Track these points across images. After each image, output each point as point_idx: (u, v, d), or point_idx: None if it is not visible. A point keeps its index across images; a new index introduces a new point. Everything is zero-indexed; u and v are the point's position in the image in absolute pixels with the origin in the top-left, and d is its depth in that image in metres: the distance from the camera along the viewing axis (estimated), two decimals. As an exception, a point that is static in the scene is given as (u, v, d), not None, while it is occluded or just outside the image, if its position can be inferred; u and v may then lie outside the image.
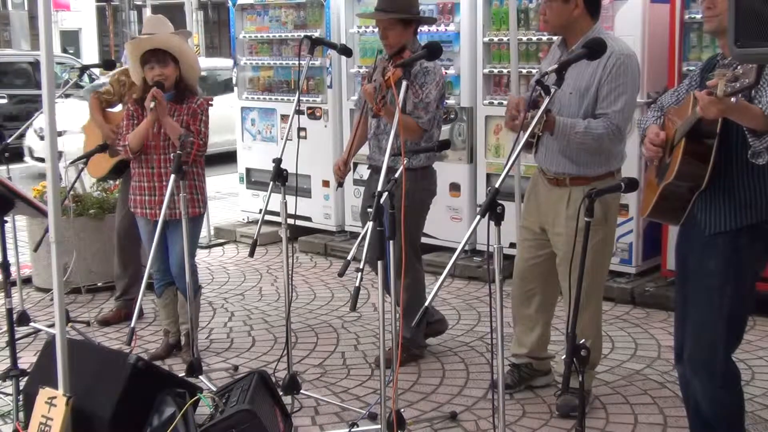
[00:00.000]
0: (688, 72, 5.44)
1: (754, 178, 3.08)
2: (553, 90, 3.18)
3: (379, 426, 3.72)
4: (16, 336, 4.43)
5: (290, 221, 4.28)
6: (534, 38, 6.03)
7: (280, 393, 4.08)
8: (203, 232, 7.57)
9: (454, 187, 6.43)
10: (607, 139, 3.85)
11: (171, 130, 4.62)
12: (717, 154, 3.05)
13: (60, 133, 4.10)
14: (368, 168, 4.93)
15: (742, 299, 3.18)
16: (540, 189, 4.16)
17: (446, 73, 6.35)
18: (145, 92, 4.69)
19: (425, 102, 4.54)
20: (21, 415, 3.96)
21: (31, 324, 5.38)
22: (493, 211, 2.94)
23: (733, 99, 2.71)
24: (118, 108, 5.66)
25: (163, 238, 4.61)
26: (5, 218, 4.28)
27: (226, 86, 11.16)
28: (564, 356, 2.86)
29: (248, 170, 7.90)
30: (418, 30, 4.75)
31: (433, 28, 6.30)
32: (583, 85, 3.89)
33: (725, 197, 3.12)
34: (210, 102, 4.72)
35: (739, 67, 2.74)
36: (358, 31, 6.89)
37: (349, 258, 3.49)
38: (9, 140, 5.54)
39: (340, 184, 4.80)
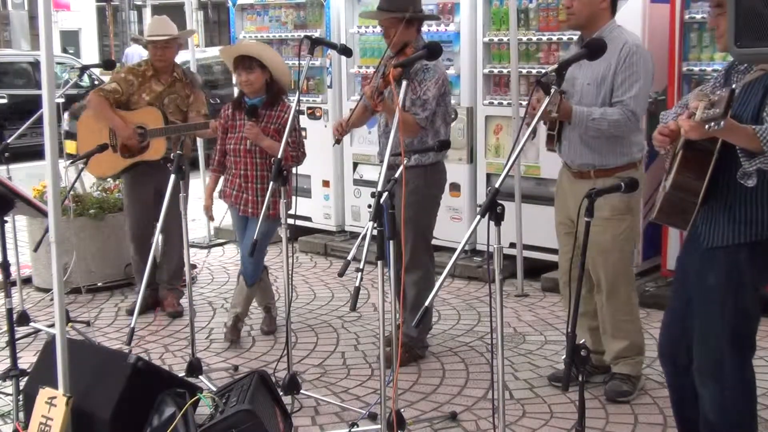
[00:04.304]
0: (689, 72, 5.46)
1: (755, 196, 3.05)
2: (553, 90, 3.19)
3: (379, 426, 3.72)
4: (16, 336, 4.42)
5: (290, 221, 4.29)
6: (534, 38, 6.03)
7: (280, 393, 4.08)
8: (203, 232, 7.62)
9: (454, 187, 6.42)
10: (623, 125, 4.02)
11: (273, 152, 4.83)
12: (714, 170, 3.02)
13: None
14: (380, 164, 4.93)
15: (744, 311, 3.16)
16: (565, 183, 4.29)
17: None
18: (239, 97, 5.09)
19: (423, 99, 4.58)
20: (21, 415, 3.96)
21: (31, 324, 5.37)
22: (493, 211, 2.95)
23: (706, 126, 2.69)
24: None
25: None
26: (5, 218, 4.27)
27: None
28: (566, 356, 2.86)
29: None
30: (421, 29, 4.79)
31: (433, 27, 6.31)
32: (599, 75, 4.06)
33: (725, 212, 3.10)
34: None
35: (718, 92, 2.74)
36: (358, 31, 6.88)
37: (349, 258, 3.48)
38: (9, 140, 5.53)
39: (338, 141, 4.79)
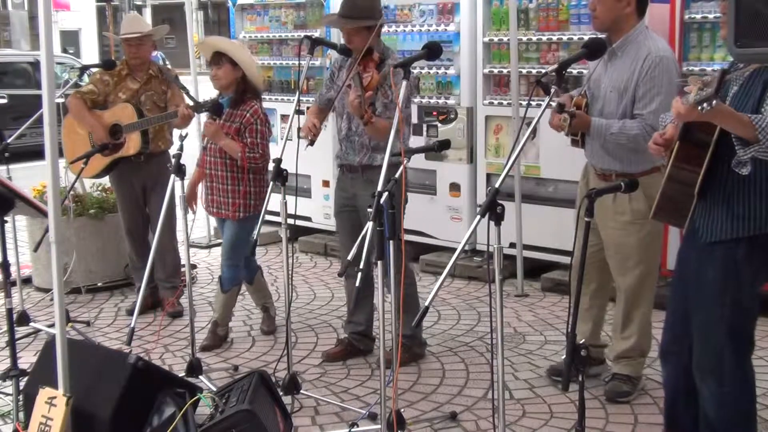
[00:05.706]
0: (689, 72, 5.45)
1: (753, 190, 3.04)
2: (552, 90, 3.19)
3: (379, 426, 3.72)
4: (16, 336, 4.42)
5: (290, 221, 4.28)
6: (534, 38, 6.04)
7: (280, 393, 4.08)
8: (203, 232, 7.62)
9: (454, 187, 6.43)
10: (641, 139, 3.94)
11: (230, 151, 4.87)
12: (710, 163, 3.02)
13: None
14: (339, 167, 4.89)
15: (742, 307, 3.15)
16: (591, 182, 4.25)
17: (446, 73, 6.38)
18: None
19: (395, 103, 4.52)
20: (21, 415, 3.96)
21: (31, 324, 5.38)
22: (493, 211, 2.96)
23: (699, 108, 2.69)
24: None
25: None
26: (5, 218, 4.28)
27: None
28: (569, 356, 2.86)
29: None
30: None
31: (433, 27, 6.32)
32: (622, 85, 4.01)
33: (723, 207, 3.09)
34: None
35: (711, 72, 2.75)
36: (358, 31, 6.88)
37: (349, 258, 3.49)
38: (9, 140, 5.53)
39: (312, 143, 4.58)
